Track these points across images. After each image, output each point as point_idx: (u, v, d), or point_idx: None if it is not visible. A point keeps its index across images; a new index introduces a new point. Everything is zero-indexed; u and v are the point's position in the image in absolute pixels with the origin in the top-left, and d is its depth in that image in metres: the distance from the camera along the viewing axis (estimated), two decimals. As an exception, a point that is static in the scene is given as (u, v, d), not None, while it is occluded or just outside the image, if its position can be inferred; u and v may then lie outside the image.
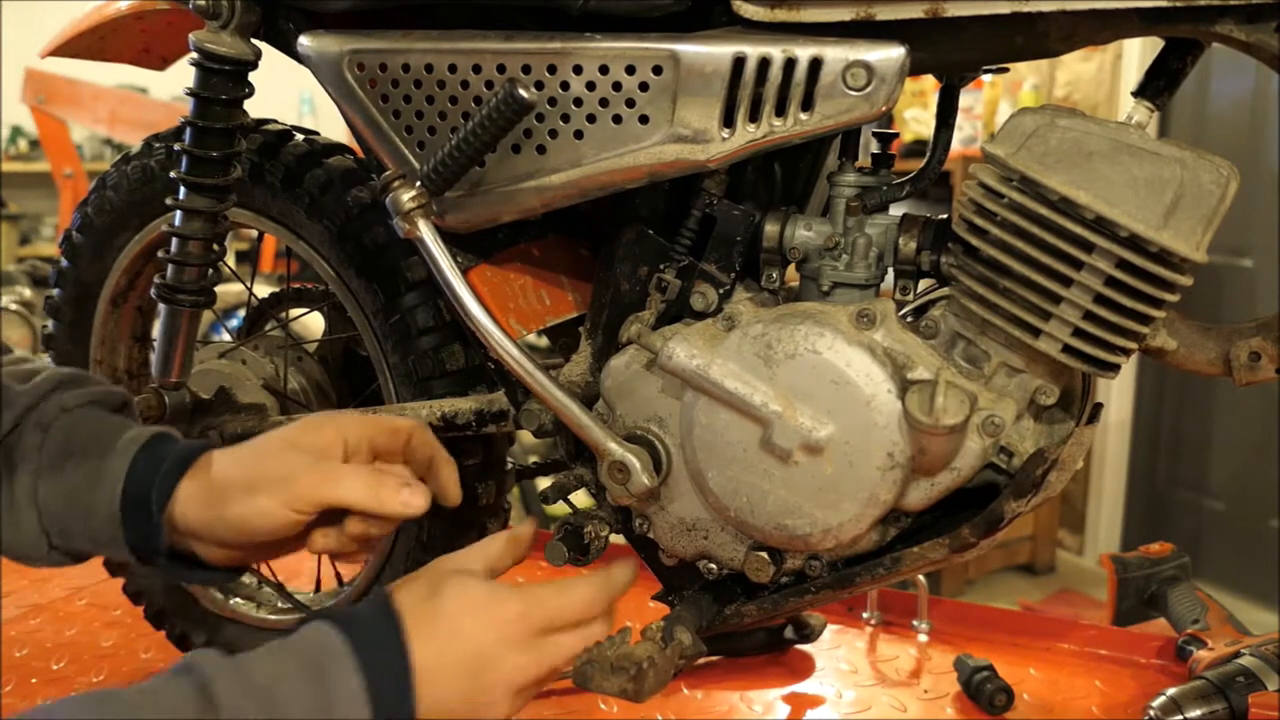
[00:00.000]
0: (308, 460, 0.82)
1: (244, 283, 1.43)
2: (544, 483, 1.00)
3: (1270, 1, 0.79)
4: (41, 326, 1.59)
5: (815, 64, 0.87)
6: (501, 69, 0.95)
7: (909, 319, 0.93)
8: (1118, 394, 3.96)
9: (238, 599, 1.36)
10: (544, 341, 1.27)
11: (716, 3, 0.90)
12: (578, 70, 0.92)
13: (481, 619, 0.76)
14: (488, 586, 0.79)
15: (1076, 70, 4.07)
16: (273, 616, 1.33)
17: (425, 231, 0.96)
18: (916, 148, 3.80)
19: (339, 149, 1.22)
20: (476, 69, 0.96)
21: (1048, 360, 0.87)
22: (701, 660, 1.17)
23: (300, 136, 1.23)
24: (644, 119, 0.92)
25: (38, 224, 6.72)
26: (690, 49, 0.89)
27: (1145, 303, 0.83)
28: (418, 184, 0.95)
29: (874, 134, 1.03)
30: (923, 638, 1.49)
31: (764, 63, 0.88)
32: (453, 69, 0.96)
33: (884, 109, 0.87)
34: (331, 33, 1.01)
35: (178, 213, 1.13)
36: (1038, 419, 0.91)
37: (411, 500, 0.81)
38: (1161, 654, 1.41)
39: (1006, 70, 1.03)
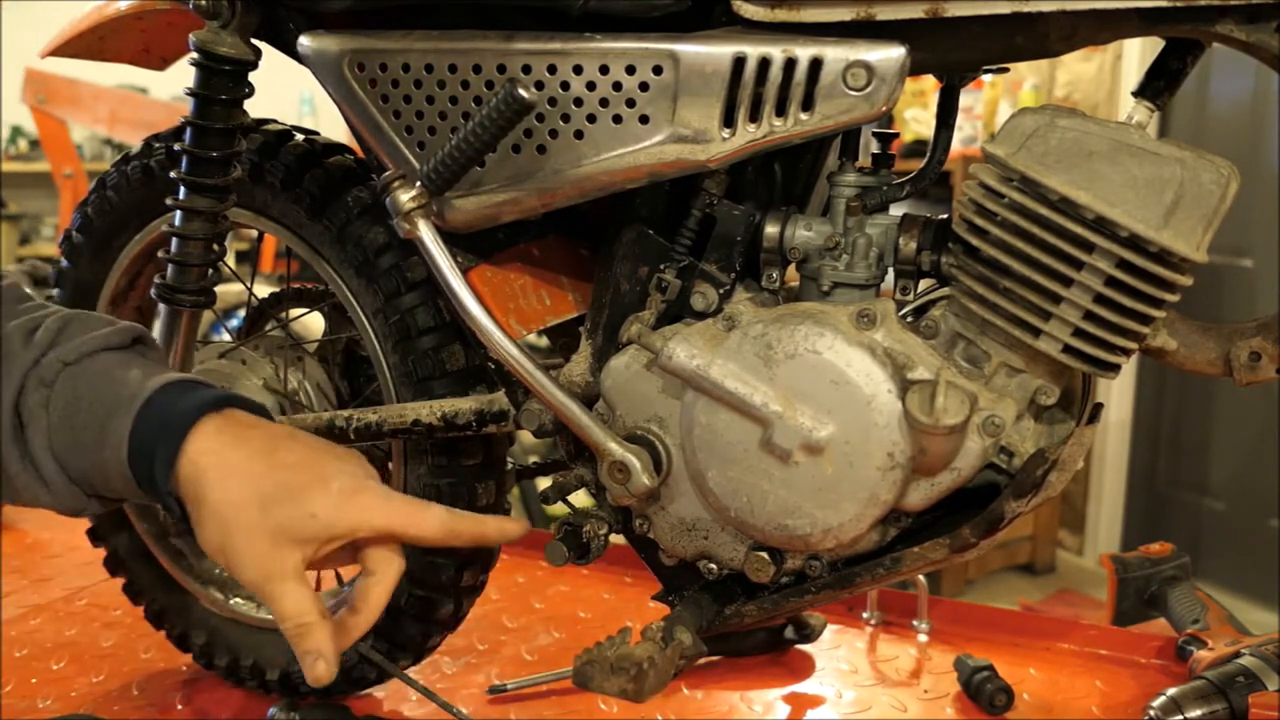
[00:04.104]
0: (275, 555, 0.79)
1: (244, 283, 1.43)
2: (544, 483, 1.00)
3: (1270, 1, 0.79)
4: (41, 326, 1.59)
5: (815, 64, 0.87)
6: (502, 69, 0.95)
7: (909, 319, 0.93)
8: (1118, 394, 3.96)
9: (238, 599, 1.36)
10: (544, 341, 1.27)
11: (716, 3, 0.90)
12: (578, 70, 0.92)
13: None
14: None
15: (1076, 70, 4.07)
16: (273, 616, 1.33)
17: (425, 232, 0.96)
18: (916, 148, 3.81)
19: (339, 149, 1.22)
20: (477, 69, 0.96)
21: (1048, 360, 0.87)
22: (701, 660, 1.17)
23: (300, 136, 1.23)
24: (644, 119, 0.92)
25: (38, 224, 6.72)
26: (690, 49, 0.89)
27: (1145, 303, 0.83)
28: (418, 184, 0.95)
29: (874, 134, 1.03)
30: (923, 638, 1.49)
31: (764, 63, 0.88)
32: (453, 69, 0.96)
33: (884, 109, 0.87)
34: (331, 33, 1.01)
35: (178, 213, 1.13)
36: (1038, 419, 0.91)
37: (315, 667, 0.79)
38: (1161, 654, 1.41)
39: (1006, 70, 1.03)
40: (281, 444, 0.82)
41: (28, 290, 0.89)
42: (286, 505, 0.79)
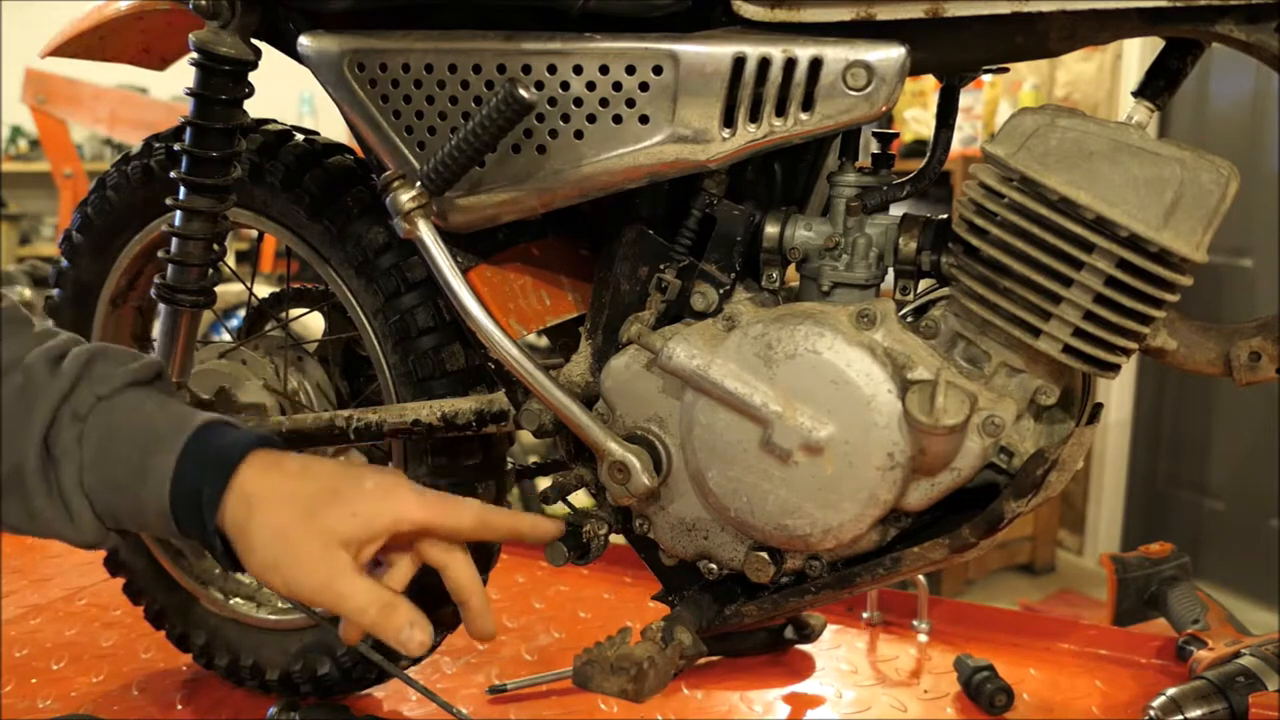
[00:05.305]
0: (329, 558, 0.80)
1: (244, 283, 1.43)
2: (544, 483, 1.00)
3: (1270, 1, 0.79)
4: (41, 326, 1.58)
5: (815, 64, 0.87)
6: (501, 69, 0.95)
7: (909, 319, 0.93)
8: (1118, 394, 3.96)
9: (238, 599, 1.36)
10: (544, 341, 1.27)
11: (716, 3, 0.90)
12: (578, 70, 0.92)
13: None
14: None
15: (1076, 70, 4.07)
16: (273, 616, 1.33)
17: (425, 232, 0.96)
18: (916, 148, 3.81)
19: (339, 149, 1.22)
20: (476, 69, 0.96)
21: (1048, 360, 0.87)
22: (701, 660, 1.17)
23: (300, 136, 1.23)
24: (644, 119, 0.92)
25: (38, 224, 6.72)
26: (690, 49, 0.89)
27: (1145, 303, 0.83)
28: (418, 184, 0.95)
29: (874, 134, 1.03)
30: (923, 638, 1.49)
31: (764, 63, 0.88)
32: (453, 69, 0.96)
33: (884, 109, 0.87)
34: (331, 33, 1.01)
35: (178, 213, 1.14)
36: (1038, 419, 0.91)
37: (412, 638, 0.80)
38: (1161, 654, 1.41)
39: (1006, 70, 1.03)
40: (314, 463, 0.86)
41: (21, 309, 0.89)
42: (329, 508, 0.82)
